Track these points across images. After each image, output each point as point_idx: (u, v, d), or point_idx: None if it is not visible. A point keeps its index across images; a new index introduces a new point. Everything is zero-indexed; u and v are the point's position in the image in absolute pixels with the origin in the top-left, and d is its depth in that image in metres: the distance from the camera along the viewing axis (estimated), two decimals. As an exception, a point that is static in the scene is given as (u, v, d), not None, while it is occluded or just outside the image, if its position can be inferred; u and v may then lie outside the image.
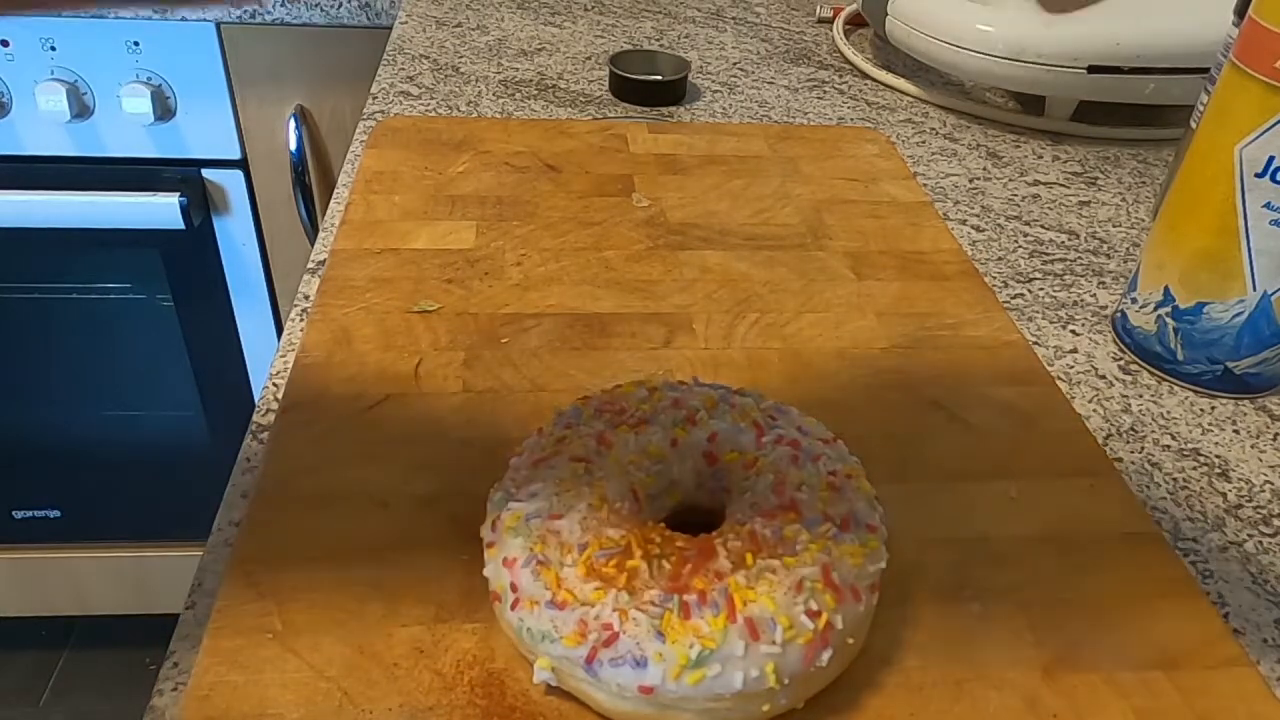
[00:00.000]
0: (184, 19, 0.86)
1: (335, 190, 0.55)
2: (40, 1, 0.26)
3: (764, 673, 0.26)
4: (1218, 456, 0.42)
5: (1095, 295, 0.52)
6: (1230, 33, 0.53)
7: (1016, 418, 0.41)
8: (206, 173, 0.95)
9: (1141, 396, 0.45)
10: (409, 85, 0.69)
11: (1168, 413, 0.44)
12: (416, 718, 0.28)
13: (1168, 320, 0.45)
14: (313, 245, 0.56)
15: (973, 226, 0.58)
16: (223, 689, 0.28)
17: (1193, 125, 0.55)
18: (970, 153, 0.67)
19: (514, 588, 0.28)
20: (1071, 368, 0.46)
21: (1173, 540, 0.37)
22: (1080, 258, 0.55)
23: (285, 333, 0.44)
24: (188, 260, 1.00)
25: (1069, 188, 0.63)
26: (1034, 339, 0.48)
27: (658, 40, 0.81)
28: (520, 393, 0.40)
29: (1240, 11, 0.53)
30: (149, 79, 0.89)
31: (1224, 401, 0.45)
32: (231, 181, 0.96)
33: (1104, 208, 0.61)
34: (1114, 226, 0.59)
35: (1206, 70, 0.56)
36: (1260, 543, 0.37)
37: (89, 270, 1.01)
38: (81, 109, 0.89)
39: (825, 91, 0.74)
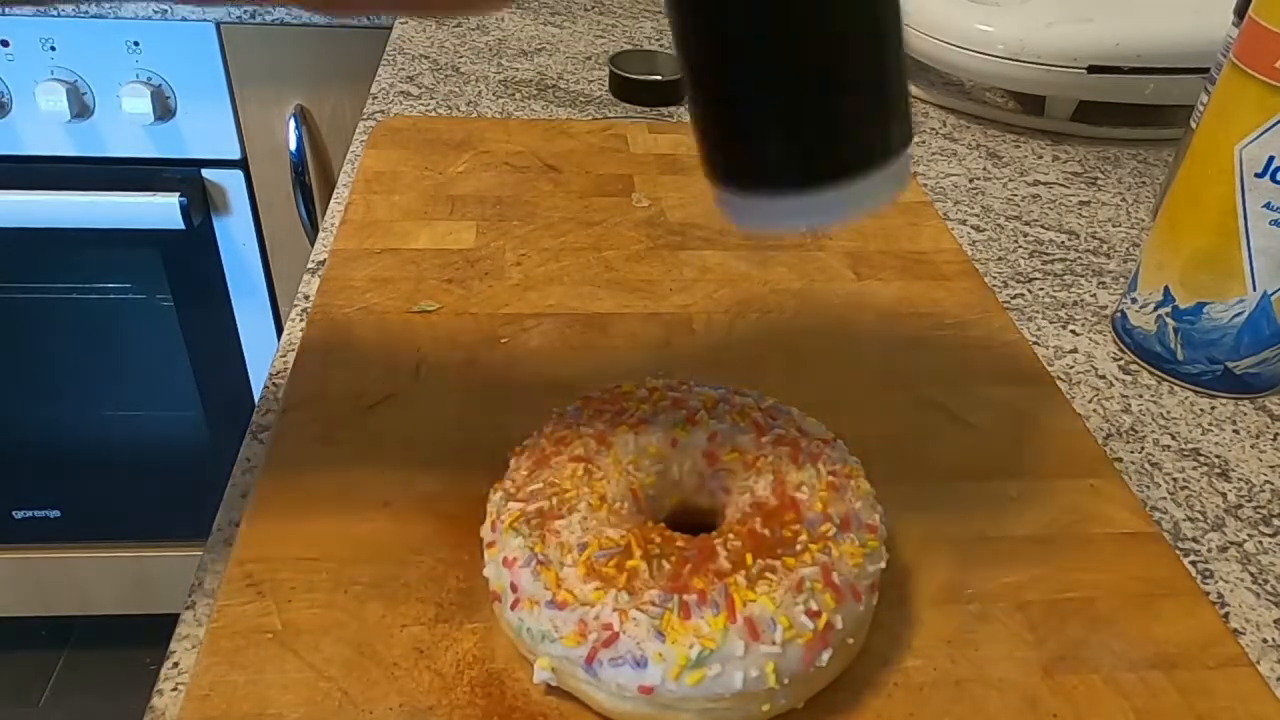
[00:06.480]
0: (184, 19, 0.86)
1: (335, 190, 0.55)
2: None
3: (764, 673, 0.26)
4: (1218, 456, 0.42)
5: (1095, 295, 0.52)
6: (1230, 33, 0.53)
7: (1016, 418, 0.41)
8: (206, 173, 0.95)
9: (1141, 396, 0.45)
10: (409, 85, 0.69)
11: (1168, 413, 0.44)
12: (416, 718, 0.28)
13: (1168, 320, 0.45)
14: (313, 245, 0.56)
15: (973, 226, 0.57)
16: (223, 689, 0.28)
17: (1193, 125, 0.55)
18: (970, 153, 0.67)
19: (514, 588, 0.28)
20: (1071, 368, 0.46)
21: (1173, 540, 0.37)
22: (1080, 258, 0.55)
23: (285, 333, 0.44)
24: (188, 260, 1.00)
25: (1069, 188, 0.63)
26: (1034, 339, 0.48)
27: (658, 40, 0.81)
28: (520, 393, 0.40)
29: (1240, 11, 0.53)
30: (149, 79, 0.89)
31: (1224, 401, 0.45)
32: (231, 181, 0.96)
33: (1104, 208, 0.61)
34: (1114, 226, 0.59)
35: (1206, 70, 0.56)
36: (1260, 543, 0.37)
37: (89, 270, 1.01)
38: (81, 109, 0.89)
39: (825, 91, 0.74)
